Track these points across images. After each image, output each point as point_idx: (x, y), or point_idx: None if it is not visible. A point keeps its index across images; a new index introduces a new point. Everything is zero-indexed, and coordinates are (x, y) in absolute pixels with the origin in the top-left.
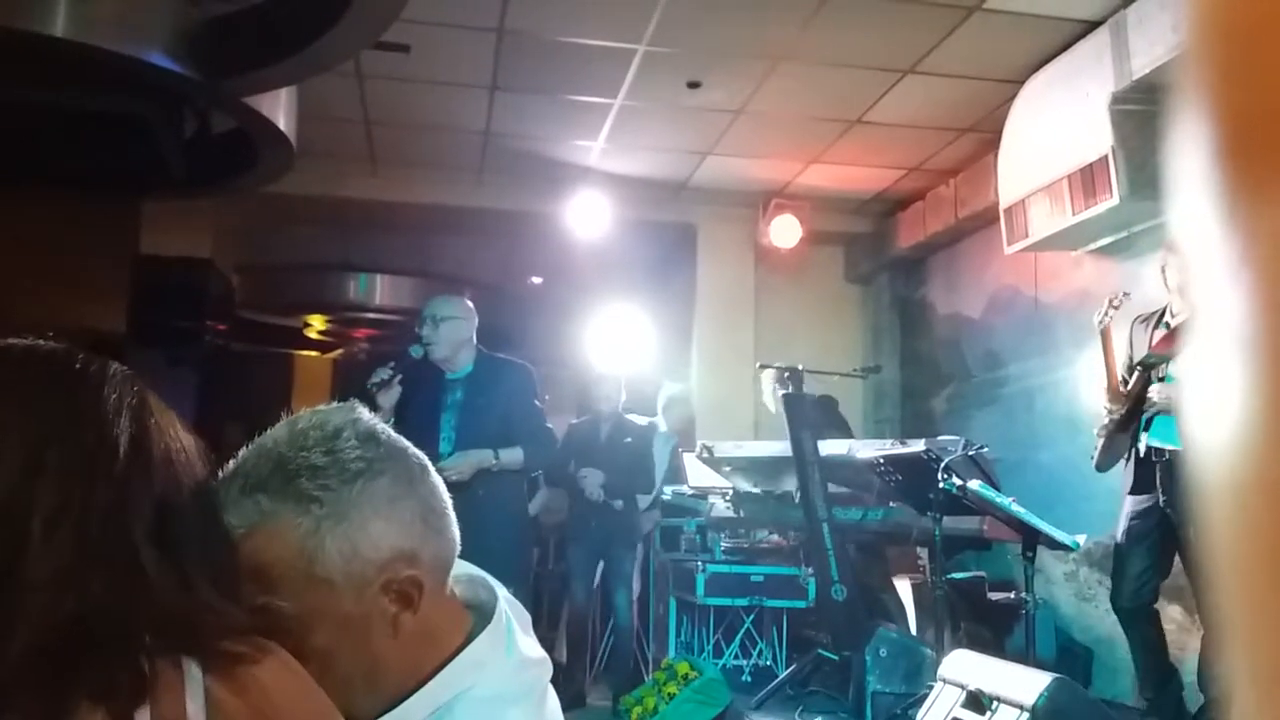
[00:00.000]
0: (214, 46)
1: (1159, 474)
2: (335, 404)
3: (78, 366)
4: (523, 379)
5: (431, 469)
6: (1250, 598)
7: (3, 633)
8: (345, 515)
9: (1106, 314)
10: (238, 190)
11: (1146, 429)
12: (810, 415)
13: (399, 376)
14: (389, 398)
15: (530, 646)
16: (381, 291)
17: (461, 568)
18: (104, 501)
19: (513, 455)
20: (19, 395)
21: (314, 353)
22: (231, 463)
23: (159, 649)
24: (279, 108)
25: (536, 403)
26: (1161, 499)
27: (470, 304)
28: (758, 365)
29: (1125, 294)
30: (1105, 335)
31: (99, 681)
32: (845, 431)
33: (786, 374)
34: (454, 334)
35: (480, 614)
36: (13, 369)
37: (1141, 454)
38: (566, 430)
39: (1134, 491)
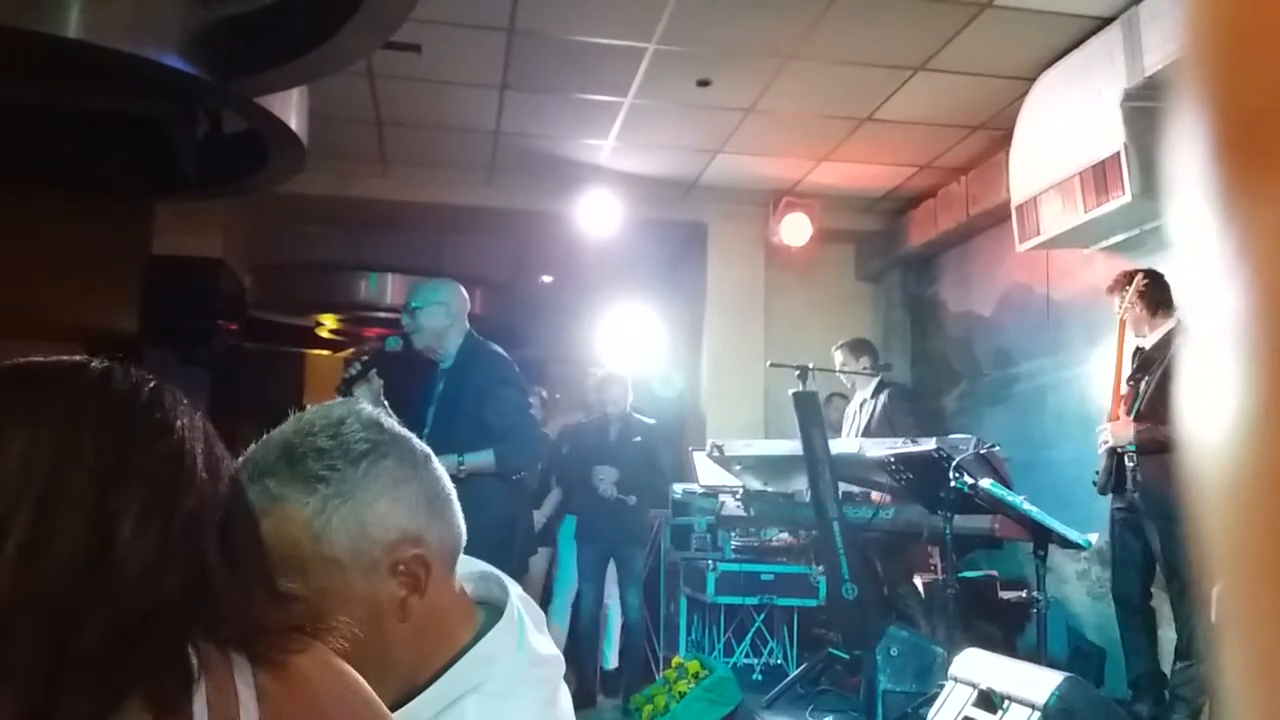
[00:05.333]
0: (225, 47)
1: (1130, 474)
2: (338, 400)
3: (151, 384)
4: (497, 370)
5: (434, 458)
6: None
7: (81, 621)
8: (351, 494)
9: (1126, 301)
10: (249, 190)
11: None
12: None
13: (374, 369)
14: (366, 391)
15: (542, 643)
16: (393, 291)
17: (473, 565)
18: (185, 505)
19: (482, 459)
20: (101, 407)
21: (325, 352)
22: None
23: (210, 641)
24: (290, 108)
25: (516, 396)
26: (1135, 497)
27: (460, 287)
28: (768, 364)
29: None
30: (1121, 328)
31: (153, 671)
32: None
33: (796, 372)
34: (432, 320)
35: (492, 610)
36: (92, 383)
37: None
38: (576, 430)
39: (1114, 491)
